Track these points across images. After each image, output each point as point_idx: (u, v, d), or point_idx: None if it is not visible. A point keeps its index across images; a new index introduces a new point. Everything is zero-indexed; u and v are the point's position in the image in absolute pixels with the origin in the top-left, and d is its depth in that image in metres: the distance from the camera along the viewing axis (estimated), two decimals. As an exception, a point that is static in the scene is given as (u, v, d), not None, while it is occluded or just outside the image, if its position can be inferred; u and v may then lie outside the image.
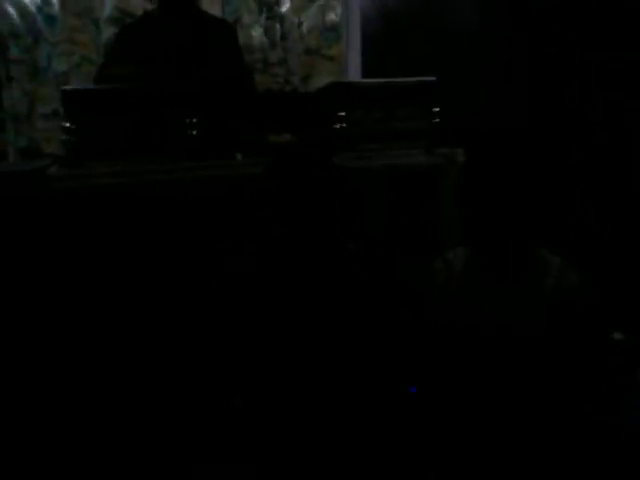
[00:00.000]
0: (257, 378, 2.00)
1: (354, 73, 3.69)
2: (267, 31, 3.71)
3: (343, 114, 2.57)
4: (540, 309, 1.84)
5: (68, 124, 2.37)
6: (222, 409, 2.09)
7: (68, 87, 2.89)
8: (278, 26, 3.73)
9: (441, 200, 2.59)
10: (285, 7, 3.74)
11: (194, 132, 2.45)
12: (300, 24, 3.76)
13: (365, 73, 3.66)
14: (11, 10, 3.46)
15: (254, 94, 3.02)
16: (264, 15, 3.71)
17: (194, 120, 2.44)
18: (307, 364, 1.96)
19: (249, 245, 2.14)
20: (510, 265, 1.89)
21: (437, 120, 2.67)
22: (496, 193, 1.82)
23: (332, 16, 3.80)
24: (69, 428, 2.29)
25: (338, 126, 2.57)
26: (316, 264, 2.02)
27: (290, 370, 1.96)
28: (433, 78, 2.70)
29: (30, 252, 2.28)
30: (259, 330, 1.99)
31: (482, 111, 3.49)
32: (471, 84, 3.57)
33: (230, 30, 3.14)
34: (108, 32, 3.56)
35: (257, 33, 3.70)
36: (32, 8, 3.48)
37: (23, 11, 3.47)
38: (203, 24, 3.00)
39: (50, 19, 3.50)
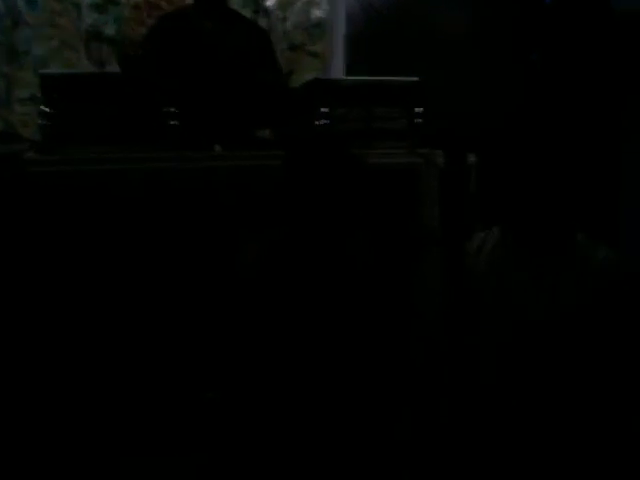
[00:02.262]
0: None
1: (338, 70, 3.68)
2: (252, 25, 3.68)
3: (326, 110, 2.56)
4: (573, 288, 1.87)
5: (45, 109, 2.34)
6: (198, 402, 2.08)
7: (46, 71, 2.85)
8: (263, 20, 3.71)
9: (420, 200, 2.59)
10: (271, 2, 3.72)
11: (173, 122, 2.43)
12: (285, 19, 3.75)
13: (348, 70, 3.66)
14: (-10, -9, 3.41)
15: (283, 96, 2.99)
16: (249, 9, 3.69)
17: (173, 110, 2.42)
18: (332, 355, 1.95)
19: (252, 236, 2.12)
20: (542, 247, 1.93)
21: (419, 120, 2.67)
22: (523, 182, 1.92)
23: (317, 12, 3.78)
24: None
25: (320, 122, 2.56)
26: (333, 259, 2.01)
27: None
28: (416, 78, 2.70)
29: (4, 236, 2.25)
30: (268, 327, 1.97)
31: (468, 111, 3.50)
32: (456, 85, 3.58)
33: (265, 36, 3.12)
34: (90, 17, 3.52)
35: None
36: (13, -10, 3.43)
37: (3, -8, 3.42)
38: (237, 24, 2.98)
39: (31, 1, 3.46)
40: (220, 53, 2.84)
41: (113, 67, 3.25)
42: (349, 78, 3.46)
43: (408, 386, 2.00)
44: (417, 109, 2.67)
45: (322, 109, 2.56)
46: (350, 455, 1.93)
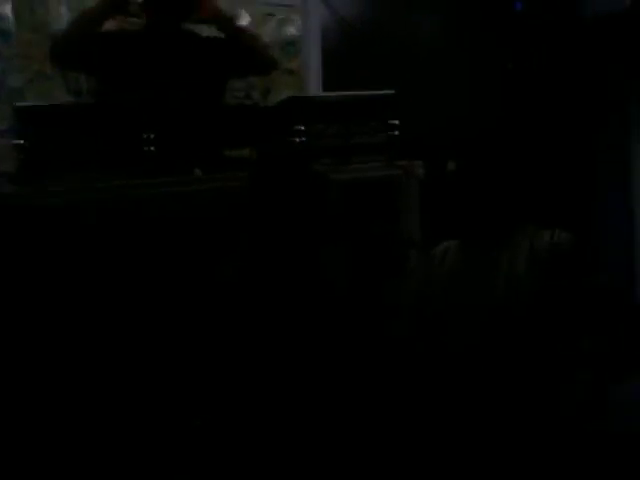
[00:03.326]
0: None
1: (314, 87, 3.68)
2: (226, 46, 3.68)
3: (302, 128, 2.56)
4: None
5: (20, 141, 2.33)
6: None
7: (21, 104, 2.84)
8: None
9: (401, 212, 2.60)
10: (244, 21, 3.73)
11: (151, 148, 2.42)
12: (260, 37, 3.75)
13: (326, 87, 3.66)
14: (-37, 24, 3.40)
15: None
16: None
17: (151, 136, 2.41)
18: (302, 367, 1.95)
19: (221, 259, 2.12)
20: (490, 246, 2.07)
21: (396, 133, 2.68)
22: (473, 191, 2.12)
23: (292, 30, 3.79)
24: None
25: (297, 140, 2.56)
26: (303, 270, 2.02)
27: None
28: (392, 91, 2.71)
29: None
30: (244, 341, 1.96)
31: (443, 123, 3.52)
32: (431, 97, 3.60)
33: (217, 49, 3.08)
34: (64, 47, 3.51)
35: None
36: (-15, 22, 3.43)
37: (-24, 26, 3.41)
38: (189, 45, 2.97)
39: (3, 33, 3.45)
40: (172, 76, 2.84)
41: (91, 96, 3.25)
42: (324, 94, 3.48)
43: (389, 391, 2.00)
44: (394, 121, 2.68)
45: (299, 126, 2.56)
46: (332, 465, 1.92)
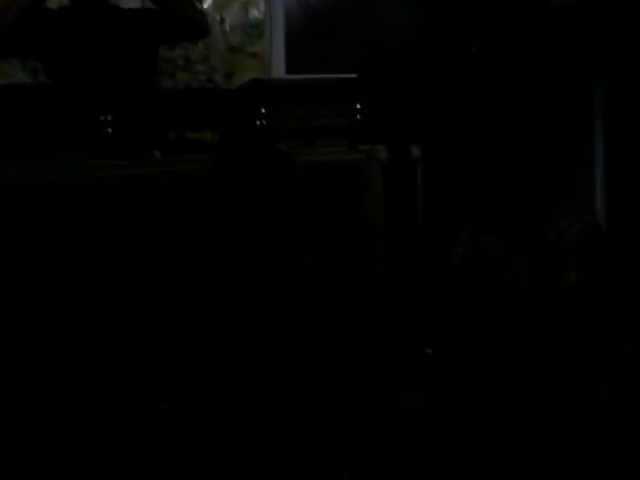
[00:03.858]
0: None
1: (278, 70, 3.66)
2: (189, 27, 3.64)
3: (264, 111, 2.54)
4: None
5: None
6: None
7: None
8: (201, 22, 3.67)
9: (364, 196, 2.59)
10: (207, 3, 3.69)
11: (109, 130, 2.38)
12: (223, 20, 3.71)
13: (289, 70, 3.64)
14: None
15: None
16: (185, 11, 3.64)
17: (109, 118, 2.37)
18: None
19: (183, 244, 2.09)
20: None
21: (359, 117, 2.67)
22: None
23: (255, 13, 3.76)
24: None
25: (259, 123, 2.53)
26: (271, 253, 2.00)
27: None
28: (355, 75, 2.69)
29: None
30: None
31: (410, 105, 3.51)
32: (395, 80, 3.60)
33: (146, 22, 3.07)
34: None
35: (178, 29, 3.63)
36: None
37: None
38: (119, 17, 2.94)
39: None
40: (101, 51, 2.82)
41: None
42: (288, 77, 3.46)
43: (357, 379, 2.00)
44: (357, 105, 2.66)
45: (261, 109, 2.54)
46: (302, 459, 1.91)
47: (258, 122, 2.53)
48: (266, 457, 1.93)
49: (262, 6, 3.74)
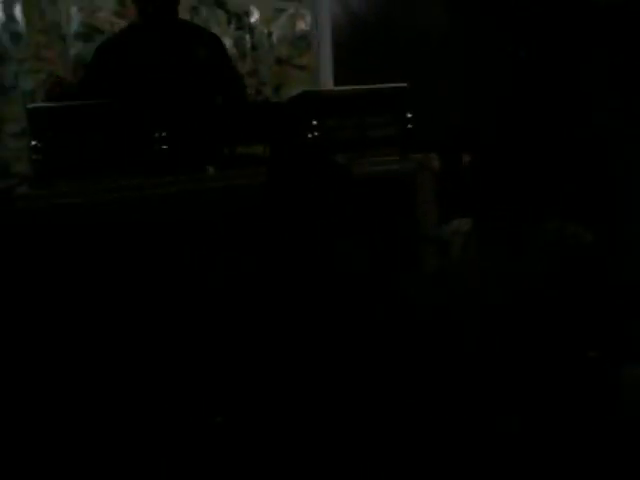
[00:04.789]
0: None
1: (326, 82, 3.67)
2: (237, 42, 3.69)
3: (315, 123, 2.55)
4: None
5: (35, 142, 2.33)
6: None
7: (33, 105, 2.84)
8: (248, 37, 3.70)
9: (417, 204, 2.58)
10: (254, 18, 3.72)
11: (163, 146, 2.41)
12: (270, 34, 3.74)
13: (337, 81, 3.65)
14: (-25, 28, 3.41)
15: (246, 102, 3.01)
16: (233, 26, 3.69)
17: (163, 134, 2.41)
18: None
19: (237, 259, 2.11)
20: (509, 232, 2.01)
21: (410, 126, 2.66)
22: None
23: (302, 25, 3.78)
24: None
25: (311, 135, 2.55)
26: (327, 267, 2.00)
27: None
28: (404, 84, 2.68)
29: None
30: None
31: (460, 113, 3.49)
32: (446, 87, 3.58)
33: (217, 41, 3.12)
34: (76, 48, 3.53)
35: (227, 44, 3.66)
36: (-3, 25, 3.44)
37: (-13, 29, 3.43)
38: (187, 36, 2.98)
39: (15, 36, 3.46)
40: (173, 69, 2.85)
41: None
42: (337, 88, 3.46)
43: (408, 387, 1.98)
44: (407, 114, 2.66)
45: (312, 121, 2.55)
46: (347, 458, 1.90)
47: (309, 134, 2.55)
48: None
49: (309, 18, 3.76)
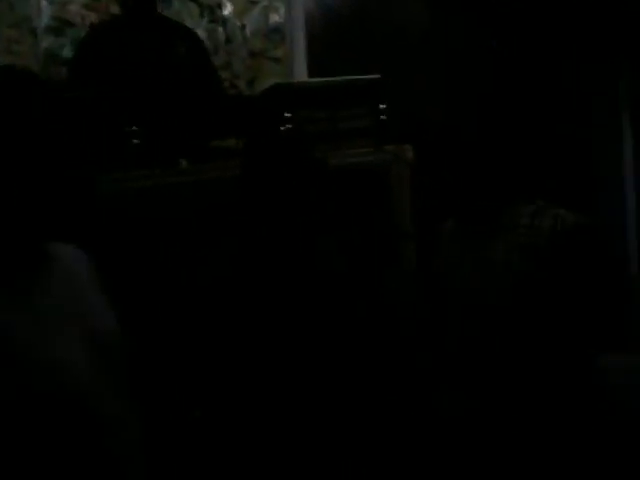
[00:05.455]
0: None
1: (300, 74, 3.65)
2: (210, 35, 3.66)
3: (288, 115, 2.53)
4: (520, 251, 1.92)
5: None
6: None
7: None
8: (221, 29, 3.68)
9: (392, 196, 2.58)
10: (227, 10, 3.70)
11: (136, 141, 2.39)
12: (243, 26, 3.72)
13: (311, 73, 3.63)
14: (-56, 23, 3.36)
15: (224, 97, 3.00)
16: (206, 19, 3.66)
17: (135, 129, 2.38)
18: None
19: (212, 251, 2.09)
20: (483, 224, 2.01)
21: (384, 117, 2.65)
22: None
23: (276, 18, 3.76)
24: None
25: (284, 128, 2.53)
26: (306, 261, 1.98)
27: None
28: (378, 76, 2.68)
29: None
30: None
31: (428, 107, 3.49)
32: (416, 81, 3.58)
33: (195, 37, 3.13)
34: (47, 41, 3.49)
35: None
36: (-34, 21, 3.39)
37: (-44, 23, 3.38)
38: (166, 31, 2.96)
39: (-16, 30, 3.41)
40: (154, 65, 2.83)
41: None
42: (310, 80, 3.45)
43: (384, 382, 1.98)
44: (381, 106, 2.65)
45: (285, 114, 2.53)
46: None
47: (283, 126, 2.53)
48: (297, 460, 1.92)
49: (282, 10, 3.74)
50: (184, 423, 2.09)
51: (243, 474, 1.90)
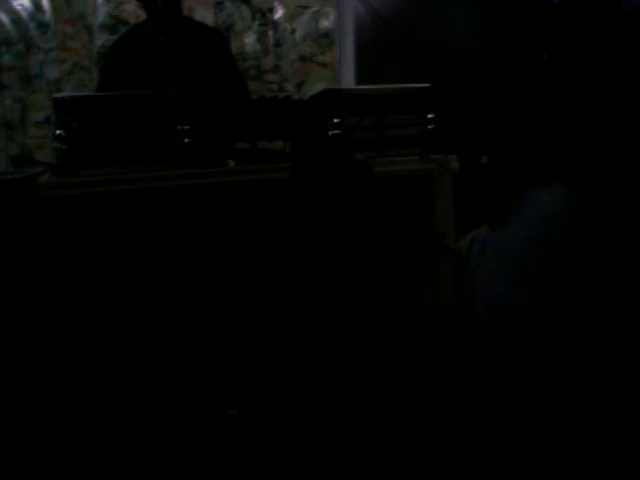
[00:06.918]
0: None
1: (348, 79, 3.68)
2: (260, 38, 3.71)
3: (337, 121, 2.56)
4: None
5: (59, 132, 2.35)
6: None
7: (59, 94, 2.87)
8: (271, 33, 3.72)
9: (435, 206, 2.58)
10: (278, 14, 3.74)
11: (186, 139, 2.43)
12: (293, 31, 3.76)
13: (358, 79, 3.66)
14: (3, 17, 3.44)
15: (248, 100, 3.01)
16: (257, 22, 3.71)
17: (186, 127, 2.42)
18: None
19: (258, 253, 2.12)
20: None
21: (431, 126, 2.66)
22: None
23: (325, 23, 3.79)
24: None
25: (331, 132, 2.56)
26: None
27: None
28: (427, 84, 2.69)
29: (21, 261, 2.26)
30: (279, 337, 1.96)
31: (480, 114, 3.49)
32: (467, 89, 3.57)
33: (220, 37, 3.13)
34: (101, 39, 3.56)
35: (250, 40, 3.69)
36: (24, 15, 3.47)
37: (15, 18, 3.46)
38: (193, 32, 2.99)
39: (42, 26, 3.49)
40: (178, 67, 2.86)
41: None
42: (359, 87, 3.47)
43: (419, 388, 1.99)
44: (429, 115, 2.66)
45: (334, 119, 2.56)
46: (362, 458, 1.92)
47: (330, 131, 2.56)
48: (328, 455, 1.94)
49: (332, 16, 3.77)
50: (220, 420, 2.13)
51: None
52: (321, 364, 1.92)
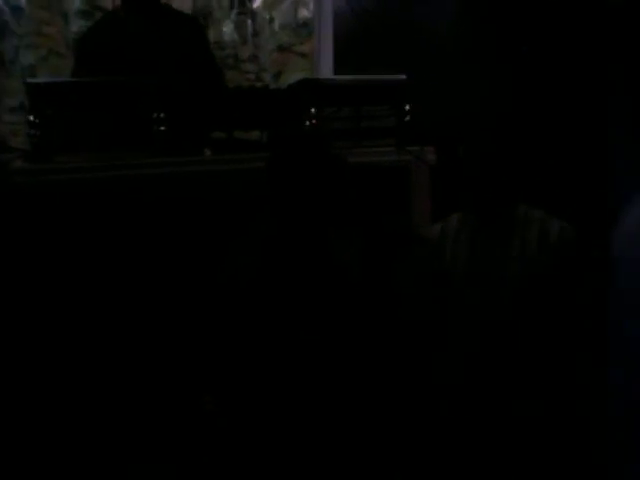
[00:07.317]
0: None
1: (326, 70, 3.67)
2: (238, 27, 3.68)
3: (314, 111, 2.55)
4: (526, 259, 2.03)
5: (32, 117, 2.33)
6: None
7: (32, 79, 2.84)
8: (250, 22, 3.70)
9: (411, 197, 2.59)
10: (257, 3, 3.72)
11: (162, 127, 2.41)
12: (272, 20, 3.74)
13: (337, 70, 3.65)
14: (-23, 1, 3.40)
15: (225, 89, 3.00)
16: (235, 11, 3.68)
17: (162, 115, 2.41)
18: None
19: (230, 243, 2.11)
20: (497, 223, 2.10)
21: (408, 118, 2.67)
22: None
23: (304, 12, 3.77)
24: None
25: (308, 123, 2.55)
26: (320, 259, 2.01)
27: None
28: (404, 76, 2.69)
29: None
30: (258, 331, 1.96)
31: (458, 106, 3.49)
32: (445, 80, 3.58)
33: (197, 25, 3.11)
34: (77, 25, 3.52)
35: (228, 29, 3.67)
36: (-2, -1, 3.42)
37: (-11, 2, 3.41)
38: (169, 20, 2.97)
39: (17, 10, 3.44)
40: (154, 55, 2.84)
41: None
42: (337, 77, 3.46)
43: (397, 382, 2.00)
44: (406, 106, 2.67)
45: (311, 109, 2.55)
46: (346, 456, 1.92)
47: (307, 122, 2.55)
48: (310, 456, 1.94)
49: (311, 5, 3.75)
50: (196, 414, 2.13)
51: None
52: (299, 353, 1.93)
